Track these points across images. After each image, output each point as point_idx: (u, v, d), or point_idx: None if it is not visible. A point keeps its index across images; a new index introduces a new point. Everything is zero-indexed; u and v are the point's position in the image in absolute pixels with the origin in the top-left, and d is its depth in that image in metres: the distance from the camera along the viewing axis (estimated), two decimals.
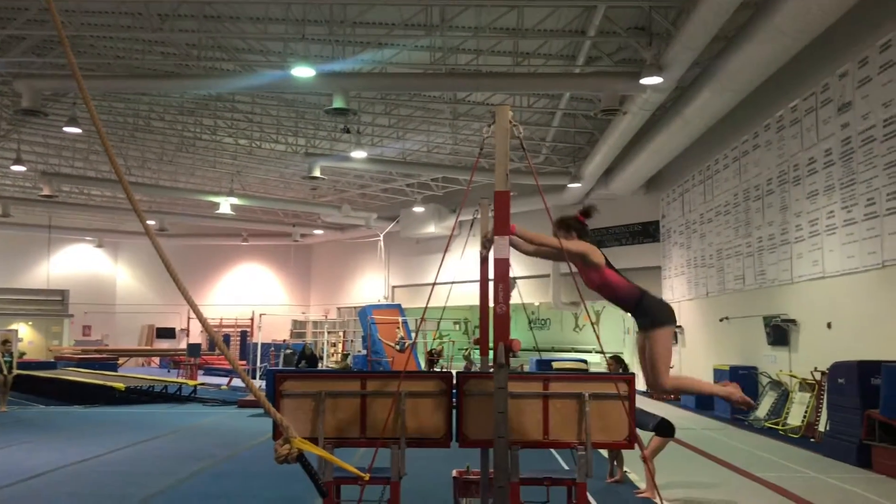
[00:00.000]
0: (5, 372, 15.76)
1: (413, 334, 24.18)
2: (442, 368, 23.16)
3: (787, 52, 11.27)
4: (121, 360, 30.37)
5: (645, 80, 12.43)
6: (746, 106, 14.13)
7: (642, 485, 8.21)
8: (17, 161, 21.36)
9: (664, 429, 7.87)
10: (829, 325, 12.03)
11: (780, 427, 12.81)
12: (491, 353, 4.00)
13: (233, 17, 13.91)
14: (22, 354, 23.22)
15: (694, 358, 18.47)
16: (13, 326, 31.25)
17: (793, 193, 13.29)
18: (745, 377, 14.78)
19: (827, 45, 11.58)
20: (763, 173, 14.54)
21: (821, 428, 11.76)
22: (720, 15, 10.47)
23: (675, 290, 20.12)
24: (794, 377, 13.12)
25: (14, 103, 17.52)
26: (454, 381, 4.61)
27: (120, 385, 17.58)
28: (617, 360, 8.45)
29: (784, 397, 13.42)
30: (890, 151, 10.26)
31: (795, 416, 12.66)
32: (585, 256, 4.76)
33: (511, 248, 4.17)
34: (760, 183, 14.68)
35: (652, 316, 4.86)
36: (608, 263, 4.85)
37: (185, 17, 13.73)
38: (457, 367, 23.48)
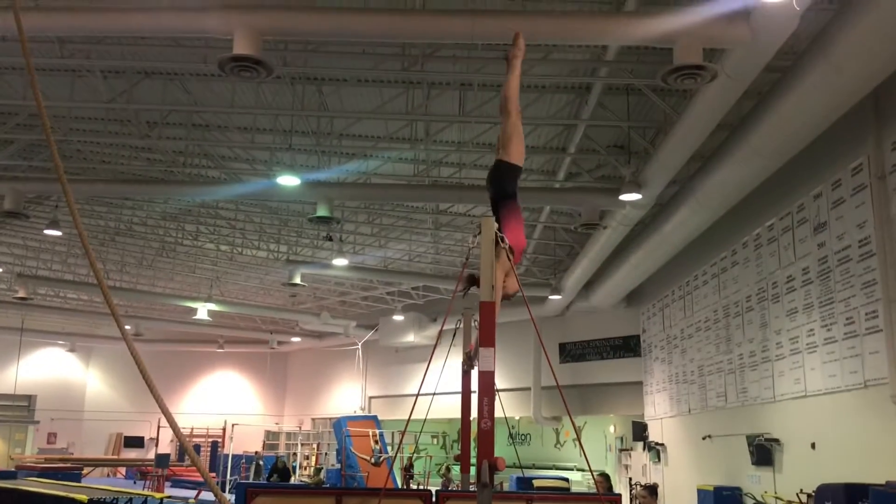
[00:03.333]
0: None
1: (389, 448, 23.53)
2: (419, 485, 22.48)
3: (763, 172, 11.56)
4: (85, 471, 29.22)
5: (624, 197, 12.64)
6: (724, 223, 14.37)
7: None
8: None
9: None
10: (812, 446, 11.84)
11: None
12: (473, 470, 3.84)
13: (221, 127, 14.15)
14: None
15: (677, 477, 18.05)
16: None
17: (772, 311, 13.34)
18: (730, 498, 14.43)
19: (801, 166, 11.89)
20: (742, 290, 14.64)
21: None
22: (696, 136, 10.78)
23: (657, 407, 19.87)
24: (780, 499, 12.79)
25: None
26: (434, 500, 4.42)
27: (83, 497, 16.76)
28: (605, 478, 8.21)
29: None
30: (866, 271, 10.38)
31: None
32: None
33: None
34: (740, 300, 14.76)
35: None
36: None
37: (174, 125, 13.95)
38: (434, 484, 22.80)
